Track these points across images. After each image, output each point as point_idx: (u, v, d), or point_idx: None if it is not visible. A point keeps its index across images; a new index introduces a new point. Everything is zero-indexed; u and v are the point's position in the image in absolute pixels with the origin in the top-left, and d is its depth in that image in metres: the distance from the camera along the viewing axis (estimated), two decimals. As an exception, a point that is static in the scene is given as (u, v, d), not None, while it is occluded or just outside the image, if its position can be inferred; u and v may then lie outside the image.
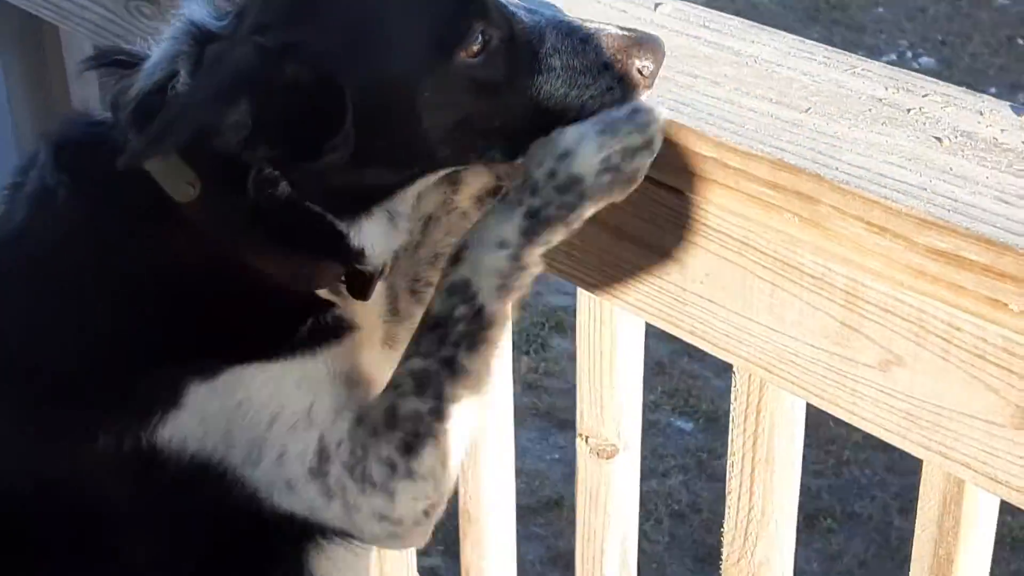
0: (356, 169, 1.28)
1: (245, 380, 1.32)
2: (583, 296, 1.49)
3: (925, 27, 8.46)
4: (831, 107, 1.21)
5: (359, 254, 1.32)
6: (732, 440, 1.39)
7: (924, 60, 7.28)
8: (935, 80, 1.23)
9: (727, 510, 1.43)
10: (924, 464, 1.21)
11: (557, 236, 1.24)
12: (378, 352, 1.46)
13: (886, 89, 1.23)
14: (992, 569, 1.29)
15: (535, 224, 1.23)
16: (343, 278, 1.36)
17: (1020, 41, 8.52)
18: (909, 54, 7.38)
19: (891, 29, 7.98)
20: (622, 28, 1.27)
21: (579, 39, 1.28)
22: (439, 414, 1.31)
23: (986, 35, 8.56)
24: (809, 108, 1.21)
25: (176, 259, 1.31)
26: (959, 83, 1.28)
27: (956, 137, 1.15)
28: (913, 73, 1.24)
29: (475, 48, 1.25)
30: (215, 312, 1.33)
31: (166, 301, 1.32)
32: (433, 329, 1.31)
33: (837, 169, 1.13)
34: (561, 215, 1.22)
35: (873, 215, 1.09)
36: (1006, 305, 1.03)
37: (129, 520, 1.36)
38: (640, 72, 1.27)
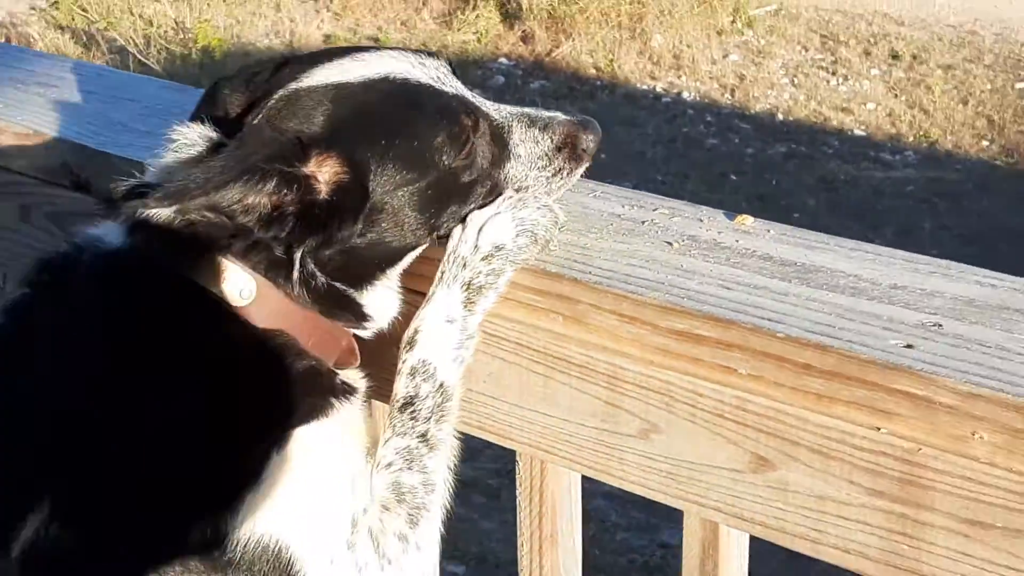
0: (366, 249, 1.40)
1: (306, 443, 1.37)
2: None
3: (645, 168, 8.97)
4: (579, 223, 1.40)
5: (369, 319, 1.44)
6: (519, 523, 1.51)
7: (646, 200, 7.68)
8: (662, 196, 1.46)
9: None
10: (684, 515, 1.36)
11: (491, 301, 1.39)
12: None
13: (623, 206, 1.43)
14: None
15: (472, 294, 1.37)
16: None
17: (732, 177, 9.15)
18: (632, 195, 7.79)
19: (614, 173, 8.38)
20: (567, 115, 1.47)
21: (539, 129, 1.47)
22: (429, 486, 1.40)
23: (702, 173, 9.15)
24: (562, 226, 1.39)
25: (238, 353, 1.37)
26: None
27: (683, 240, 1.35)
28: (644, 192, 1.47)
29: (466, 154, 1.42)
30: (276, 391, 1.38)
31: (240, 394, 1.37)
32: (403, 410, 1.40)
33: (590, 273, 1.31)
34: (491, 281, 1.36)
35: (623, 307, 1.27)
36: (735, 370, 1.22)
37: None
38: (584, 150, 1.46)
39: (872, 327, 1.19)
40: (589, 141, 1.48)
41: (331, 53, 1.47)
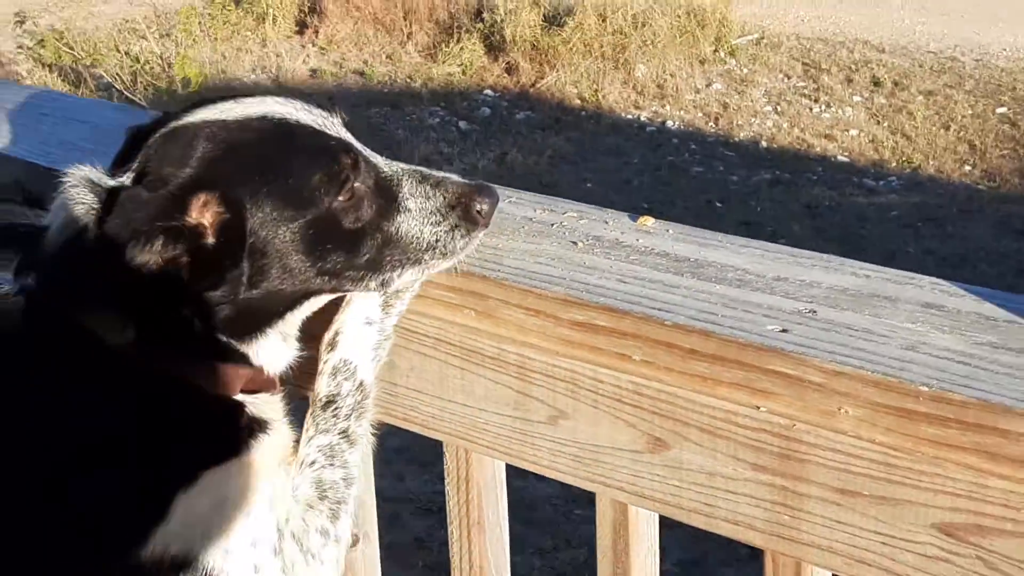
0: (249, 295, 1.40)
1: (221, 479, 1.39)
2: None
3: (631, 197, 9.06)
4: (493, 227, 1.48)
5: (259, 368, 1.45)
6: (449, 511, 1.58)
7: (630, 226, 7.78)
8: (572, 201, 1.56)
9: (451, 572, 1.63)
10: (596, 499, 1.44)
11: (405, 304, 1.47)
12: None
13: (535, 210, 1.53)
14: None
15: (389, 297, 1.45)
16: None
17: (718, 204, 9.25)
18: (617, 222, 7.88)
19: (600, 200, 8.46)
20: (462, 177, 1.49)
21: (431, 185, 1.47)
22: (349, 480, 1.46)
23: (687, 200, 9.25)
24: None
25: (129, 390, 1.38)
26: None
27: (588, 240, 1.44)
28: (554, 197, 1.57)
29: (346, 195, 1.42)
30: (178, 426, 1.39)
31: (141, 432, 1.37)
32: (326, 408, 1.46)
33: (500, 271, 1.40)
34: (407, 286, 1.45)
35: (528, 302, 1.36)
36: (631, 357, 1.31)
37: None
38: (479, 212, 1.46)
39: (753, 315, 1.29)
40: (483, 203, 1.47)
41: (220, 99, 1.48)
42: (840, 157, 10.17)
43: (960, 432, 1.16)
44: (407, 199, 1.48)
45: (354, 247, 1.44)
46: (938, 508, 1.19)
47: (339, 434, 1.46)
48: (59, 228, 1.40)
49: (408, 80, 11.75)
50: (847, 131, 10.56)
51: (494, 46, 11.93)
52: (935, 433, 1.17)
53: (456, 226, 1.47)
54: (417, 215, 1.47)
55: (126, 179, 1.40)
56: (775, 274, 1.36)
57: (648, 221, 1.48)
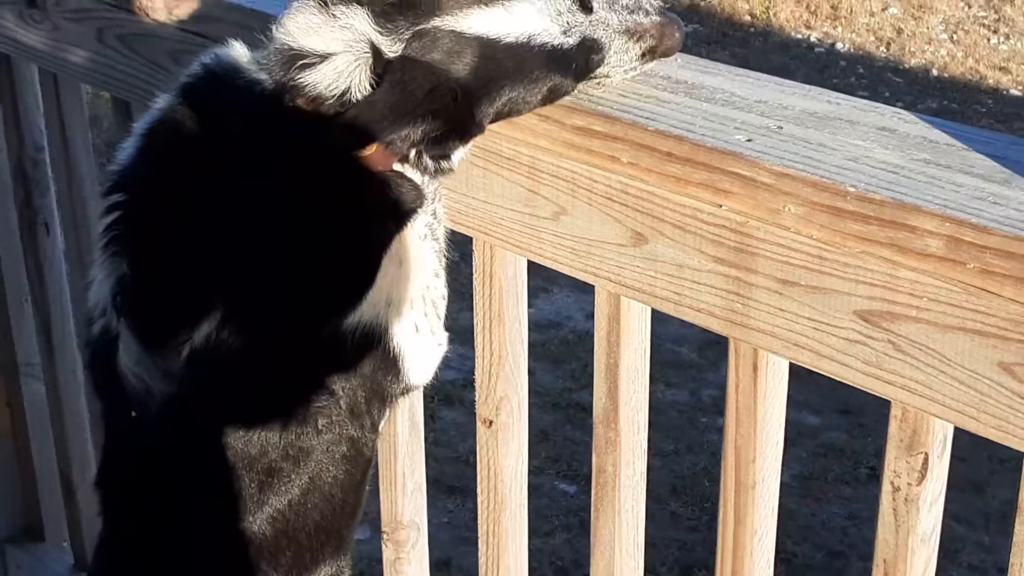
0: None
1: (405, 249, 1.53)
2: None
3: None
4: None
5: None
6: (475, 304, 1.74)
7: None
8: None
9: (477, 360, 1.78)
10: (596, 292, 1.59)
11: None
12: None
13: None
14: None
15: None
16: None
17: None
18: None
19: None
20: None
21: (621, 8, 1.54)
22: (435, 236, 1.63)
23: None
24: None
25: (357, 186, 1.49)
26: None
27: None
28: None
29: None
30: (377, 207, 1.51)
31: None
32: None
33: None
34: None
35: (540, 109, 1.52)
36: (619, 159, 1.47)
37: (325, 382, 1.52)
38: (668, 47, 1.56)
39: (726, 127, 1.43)
40: (674, 36, 1.55)
41: None
42: (1013, 91, 9.98)
43: (879, 228, 1.29)
44: (602, 26, 1.53)
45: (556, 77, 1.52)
46: (859, 296, 1.33)
47: (431, 214, 1.60)
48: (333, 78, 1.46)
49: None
50: (1023, 65, 10.36)
51: (668, -45, 11.95)
52: (859, 229, 1.31)
53: (636, 57, 1.55)
54: (617, 46, 1.54)
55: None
56: (758, 97, 1.50)
57: None
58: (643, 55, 1.53)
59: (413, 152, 1.48)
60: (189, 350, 1.44)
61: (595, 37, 1.49)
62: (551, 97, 1.51)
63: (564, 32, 1.47)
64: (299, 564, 1.56)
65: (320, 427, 1.50)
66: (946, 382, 1.29)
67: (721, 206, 1.42)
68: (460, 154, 1.55)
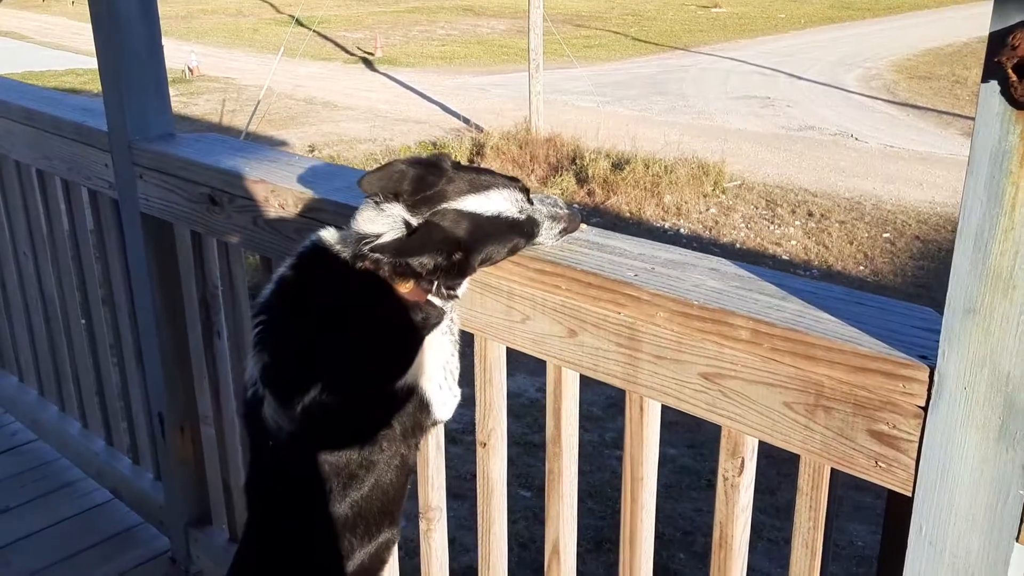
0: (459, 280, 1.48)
1: (432, 342, 1.48)
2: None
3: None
4: None
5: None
6: (475, 374, 1.67)
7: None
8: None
9: (476, 406, 1.71)
10: (547, 366, 1.53)
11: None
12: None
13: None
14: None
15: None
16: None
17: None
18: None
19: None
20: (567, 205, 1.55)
21: (555, 216, 1.52)
22: (453, 333, 1.55)
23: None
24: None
25: (402, 310, 1.45)
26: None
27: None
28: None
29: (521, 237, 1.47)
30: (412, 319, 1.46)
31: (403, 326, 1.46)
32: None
33: None
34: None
35: (516, 259, 1.50)
36: (560, 286, 1.45)
37: (385, 420, 1.48)
38: (567, 231, 1.53)
39: (621, 267, 1.42)
40: (574, 225, 1.55)
41: (474, 185, 1.44)
42: (783, 256, 10.17)
43: (712, 324, 1.29)
44: (543, 224, 1.52)
45: (511, 250, 1.51)
46: (701, 364, 1.32)
47: (450, 320, 1.55)
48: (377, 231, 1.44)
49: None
50: (789, 241, 10.56)
51: (581, 179, 12.17)
52: (700, 325, 1.31)
53: (556, 236, 1.54)
54: (544, 234, 1.53)
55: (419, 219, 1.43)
56: (639, 251, 1.50)
57: (583, 226, 1.60)
58: (561, 232, 1.51)
59: (435, 286, 1.46)
60: (303, 405, 1.43)
61: (535, 218, 1.47)
62: (513, 251, 1.48)
63: (519, 212, 1.46)
64: (368, 532, 1.52)
65: (383, 447, 1.48)
66: (753, 414, 1.29)
67: (620, 313, 1.38)
68: (464, 287, 1.53)
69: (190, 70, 19.85)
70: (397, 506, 1.58)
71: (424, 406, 1.52)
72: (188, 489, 2.59)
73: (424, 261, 1.35)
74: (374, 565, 1.57)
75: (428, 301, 1.49)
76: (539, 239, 1.48)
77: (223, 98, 17.57)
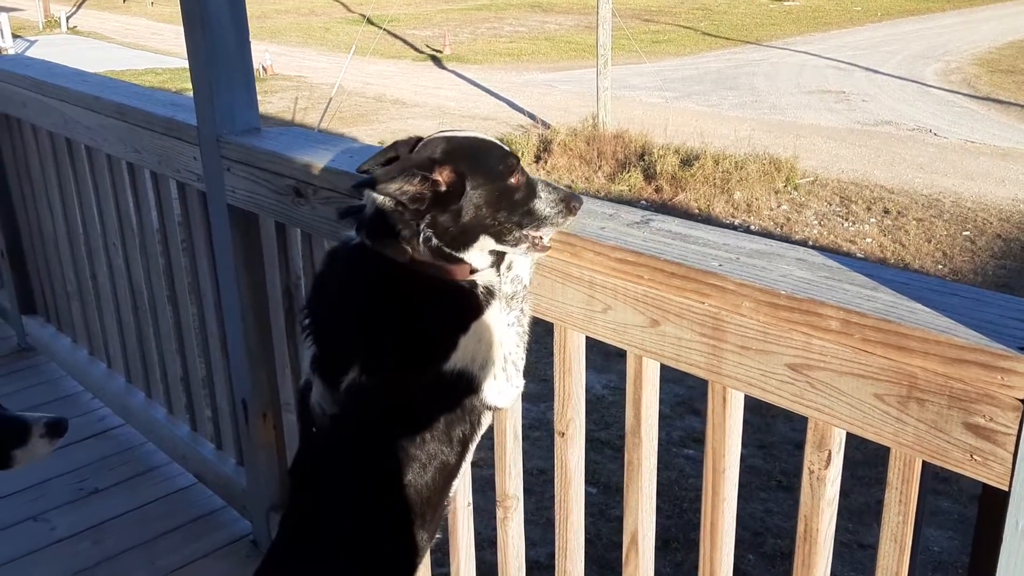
0: (461, 223, 1.42)
1: (479, 326, 1.46)
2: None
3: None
4: (583, 214, 1.59)
5: (469, 265, 1.47)
6: (555, 364, 1.65)
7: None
8: (627, 206, 1.73)
9: (555, 397, 1.69)
10: (627, 355, 1.53)
11: (534, 258, 1.56)
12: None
13: (605, 208, 1.69)
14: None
15: (530, 255, 1.56)
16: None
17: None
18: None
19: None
20: (567, 187, 1.51)
21: (552, 188, 1.50)
22: (523, 337, 1.55)
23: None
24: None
25: (416, 283, 1.44)
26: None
27: (630, 223, 1.57)
28: (622, 205, 1.72)
29: (517, 178, 1.45)
30: (447, 299, 1.46)
31: (438, 302, 1.46)
32: (510, 301, 1.53)
33: (583, 233, 1.52)
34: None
35: (597, 248, 1.50)
36: (642, 276, 1.45)
37: (434, 405, 1.49)
38: (573, 207, 1.51)
39: (706, 258, 1.41)
40: (577, 203, 1.52)
41: (450, 131, 1.49)
42: (857, 254, 9.94)
43: (799, 315, 1.28)
44: (541, 191, 1.50)
45: (513, 210, 1.46)
46: (788, 355, 1.31)
47: (519, 311, 1.56)
48: (369, 205, 1.47)
49: (596, 192, 11.98)
50: (864, 239, 10.31)
51: (649, 175, 12.06)
52: (787, 315, 1.29)
53: (562, 211, 1.51)
54: (544, 200, 1.50)
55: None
56: (723, 242, 1.48)
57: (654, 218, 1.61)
58: (561, 200, 1.53)
59: (489, 262, 1.46)
60: (345, 386, 1.47)
61: (532, 180, 1.51)
62: (510, 194, 1.49)
63: (503, 153, 1.50)
64: (402, 527, 1.54)
65: (425, 435, 1.50)
66: (842, 405, 1.26)
67: (704, 303, 1.37)
68: (525, 267, 1.55)
69: (264, 69, 20.27)
70: (431, 505, 1.55)
71: (473, 391, 1.51)
72: (270, 474, 2.63)
73: (404, 188, 1.34)
74: (409, 558, 1.55)
75: (472, 281, 1.48)
76: (537, 205, 1.48)
77: (295, 96, 17.90)
